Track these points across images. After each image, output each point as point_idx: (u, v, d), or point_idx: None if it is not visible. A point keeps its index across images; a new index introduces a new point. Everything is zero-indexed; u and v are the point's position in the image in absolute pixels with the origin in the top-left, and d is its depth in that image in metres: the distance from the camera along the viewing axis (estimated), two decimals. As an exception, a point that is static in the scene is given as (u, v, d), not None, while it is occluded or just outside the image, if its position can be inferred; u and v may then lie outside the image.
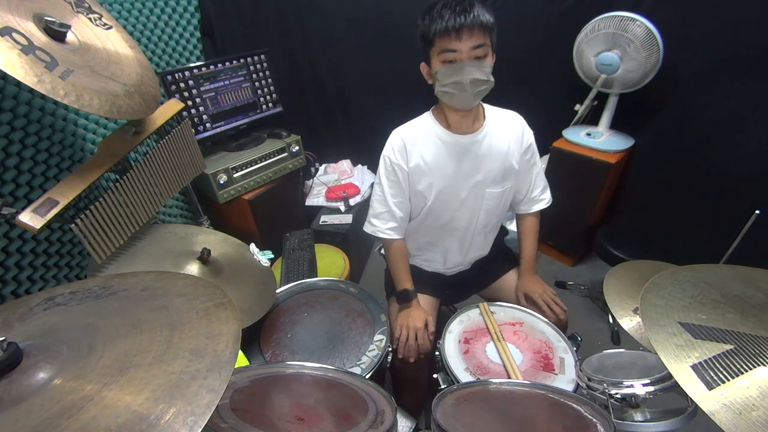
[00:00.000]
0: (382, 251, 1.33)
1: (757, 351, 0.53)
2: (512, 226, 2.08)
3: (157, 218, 1.60)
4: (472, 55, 0.92)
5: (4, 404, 0.42)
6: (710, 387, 0.50)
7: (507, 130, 1.11)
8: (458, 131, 1.07)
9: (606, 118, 1.85)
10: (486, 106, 1.13)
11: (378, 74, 2.02)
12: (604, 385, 0.80)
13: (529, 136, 1.15)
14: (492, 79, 0.95)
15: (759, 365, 0.51)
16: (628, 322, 0.89)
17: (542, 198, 1.24)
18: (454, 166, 1.08)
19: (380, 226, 1.17)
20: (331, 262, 1.68)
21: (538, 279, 1.21)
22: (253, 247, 1.18)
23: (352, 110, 2.21)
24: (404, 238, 1.22)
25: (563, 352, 0.98)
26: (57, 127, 1.20)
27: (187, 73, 1.61)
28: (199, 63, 1.66)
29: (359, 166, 2.32)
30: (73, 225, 0.84)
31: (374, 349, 0.99)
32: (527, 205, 1.24)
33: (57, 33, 0.81)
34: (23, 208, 0.79)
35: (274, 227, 1.82)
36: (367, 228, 1.21)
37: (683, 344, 0.56)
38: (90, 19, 0.95)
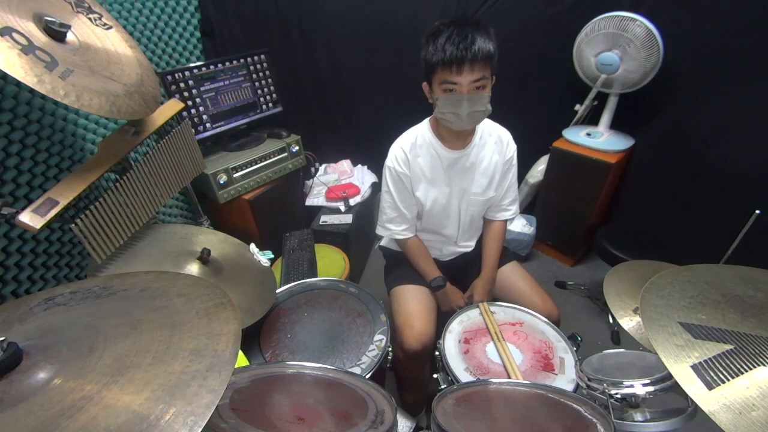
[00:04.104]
0: (382, 243, 1.47)
1: (757, 351, 0.53)
2: (510, 226, 2.10)
3: (157, 218, 1.60)
4: (472, 88, 0.95)
5: (4, 404, 0.42)
6: (710, 387, 0.50)
7: (493, 144, 1.19)
8: (450, 146, 1.15)
9: (606, 118, 1.85)
10: None
11: (378, 74, 2.02)
12: (604, 385, 0.80)
13: (512, 149, 1.22)
14: (489, 108, 1.00)
15: (759, 365, 0.51)
16: (628, 322, 0.89)
17: (509, 208, 1.31)
18: (446, 176, 1.18)
19: (395, 228, 1.26)
20: (331, 262, 1.68)
21: (490, 290, 1.28)
22: (253, 247, 1.19)
23: (352, 110, 2.20)
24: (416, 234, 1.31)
25: (563, 352, 0.98)
26: (57, 127, 1.20)
27: (187, 73, 1.61)
28: (199, 63, 1.66)
29: (359, 166, 2.32)
30: (73, 225, 0.84)
31: (374, 349, 0.99)
32: (494, 211, 1.31)
33: (57, 33, 0.81)
34: (23, 208, 0.79)
35: (274, 227, 1.82)
36: (382, 232, 1.30)
37: (683, 344, 0.56)
38: (90, 19, 0.95)
